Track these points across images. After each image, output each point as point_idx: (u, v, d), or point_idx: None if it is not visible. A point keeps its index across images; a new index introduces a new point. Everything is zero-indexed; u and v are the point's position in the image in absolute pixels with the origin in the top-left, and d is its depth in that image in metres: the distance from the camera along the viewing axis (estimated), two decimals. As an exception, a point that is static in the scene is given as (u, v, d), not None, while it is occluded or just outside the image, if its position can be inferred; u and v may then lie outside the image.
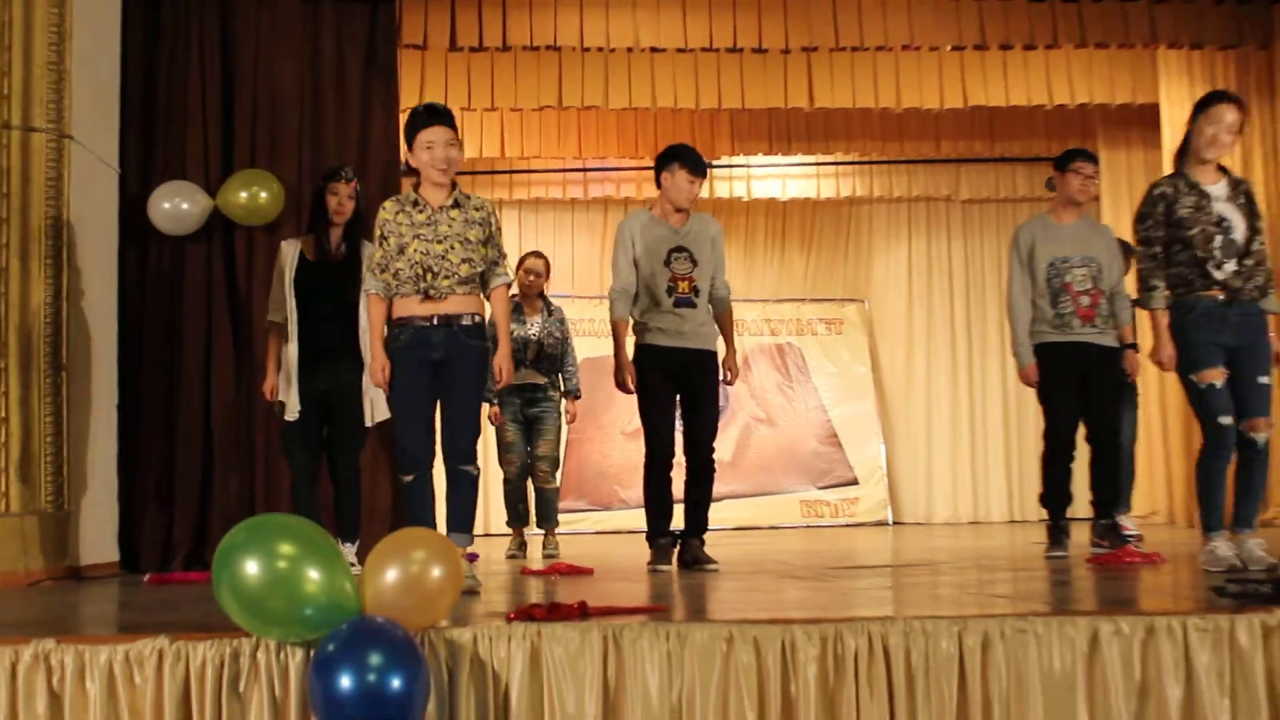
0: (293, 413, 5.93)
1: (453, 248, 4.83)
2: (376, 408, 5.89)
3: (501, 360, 4.94)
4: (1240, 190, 5.18)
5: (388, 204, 4.96)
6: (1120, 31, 8.30)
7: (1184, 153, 5.25)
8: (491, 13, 7.96)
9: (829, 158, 11.62)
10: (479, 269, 4.90)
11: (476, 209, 4.93)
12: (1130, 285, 6.04)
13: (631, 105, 9.45)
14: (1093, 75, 9.52)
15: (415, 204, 4.89)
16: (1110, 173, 10.55)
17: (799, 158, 11.52)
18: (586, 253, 12.02)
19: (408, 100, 8.22)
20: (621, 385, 5.93)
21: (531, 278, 7.59)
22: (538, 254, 7.84)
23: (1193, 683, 3.21)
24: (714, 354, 6.01)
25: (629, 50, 8.80)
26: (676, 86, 9.29)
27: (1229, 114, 5.11)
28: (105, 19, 6.53)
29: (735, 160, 11.49)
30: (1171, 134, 8.57)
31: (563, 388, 7.72)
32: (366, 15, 7.16)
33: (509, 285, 5.07)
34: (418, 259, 4.81)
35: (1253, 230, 5.12)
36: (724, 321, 6.09)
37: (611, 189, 11.68)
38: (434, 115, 4.91)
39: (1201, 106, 5.18)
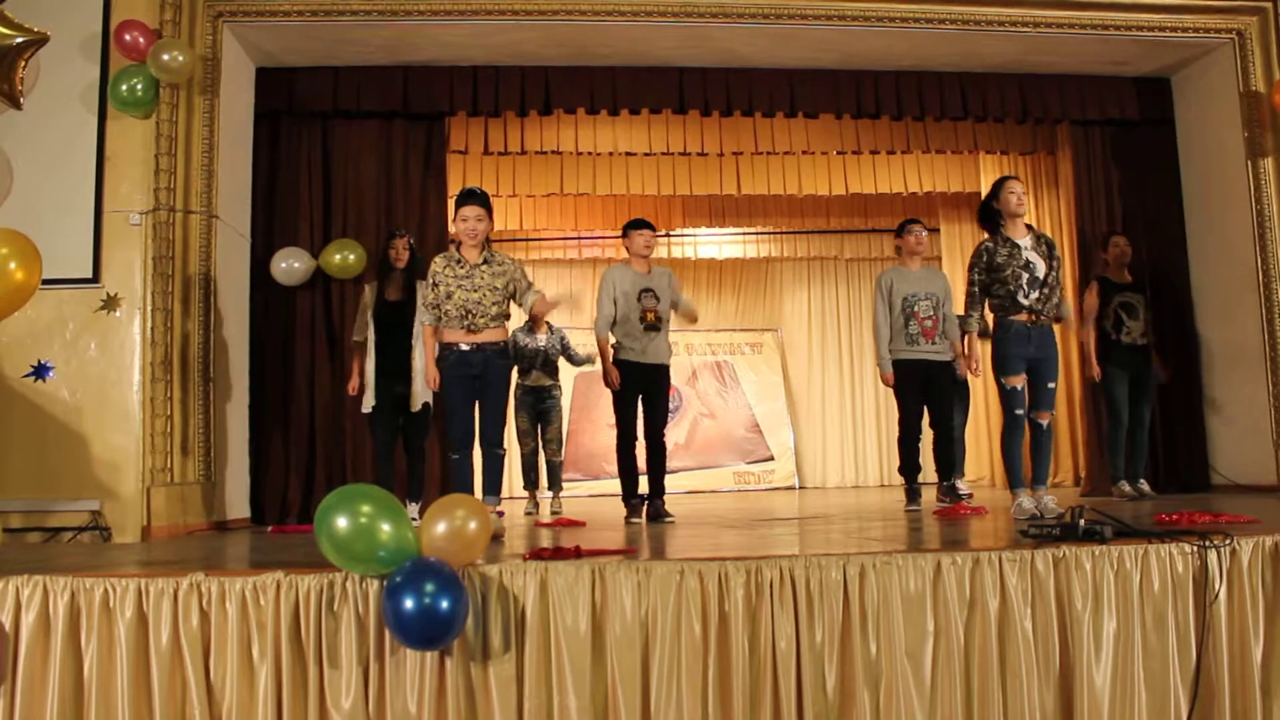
0: (368, 406, 5.96)
1: (485, 295, 4.83)
2: (418, 395, 5.92)
3: (540, 304, 4.99)
4: (1042, 241, 5.21)
5: (438, 259, 4.95)
6: (953, 142, 8.34)
7: (997, 221, 5.26)
8: (513, 128, 7.98)
9: (752, 229, 11.61)
10: (505, 308, 4.90)
11: (500, 264, 4.92)
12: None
13: (612, 192, 9.45)
14: (935, 171, 9.56)
15: (458, 261, 4.87)
16: (947, 239, 10.63)
17: (731, 229, 11.51)
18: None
19: (454, 190, 8.23)
20: (609, 384, 5.89)
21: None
22: (540, 293, 7.89)
23: (1005, 597, 3.22)
24: (667, 366, 5.98)
25: (610, 154, 8.79)
26: (644, 179, 9.34)
27: (1017, 185, 5.21)
28: (241, 134, 6.52)
29: (686, 231, 11.48)
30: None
31: (575, 360, 7.81)
32: (424, 131, 7.14)
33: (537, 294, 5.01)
34: (461, 303, 4.80)
35: (1049, 268, 5.15)
36: (685, 306, 6.14)
37: (599, 251, 11.64)
38: (469, 196, 4.93)
39: (1000, 185, 5.23)
